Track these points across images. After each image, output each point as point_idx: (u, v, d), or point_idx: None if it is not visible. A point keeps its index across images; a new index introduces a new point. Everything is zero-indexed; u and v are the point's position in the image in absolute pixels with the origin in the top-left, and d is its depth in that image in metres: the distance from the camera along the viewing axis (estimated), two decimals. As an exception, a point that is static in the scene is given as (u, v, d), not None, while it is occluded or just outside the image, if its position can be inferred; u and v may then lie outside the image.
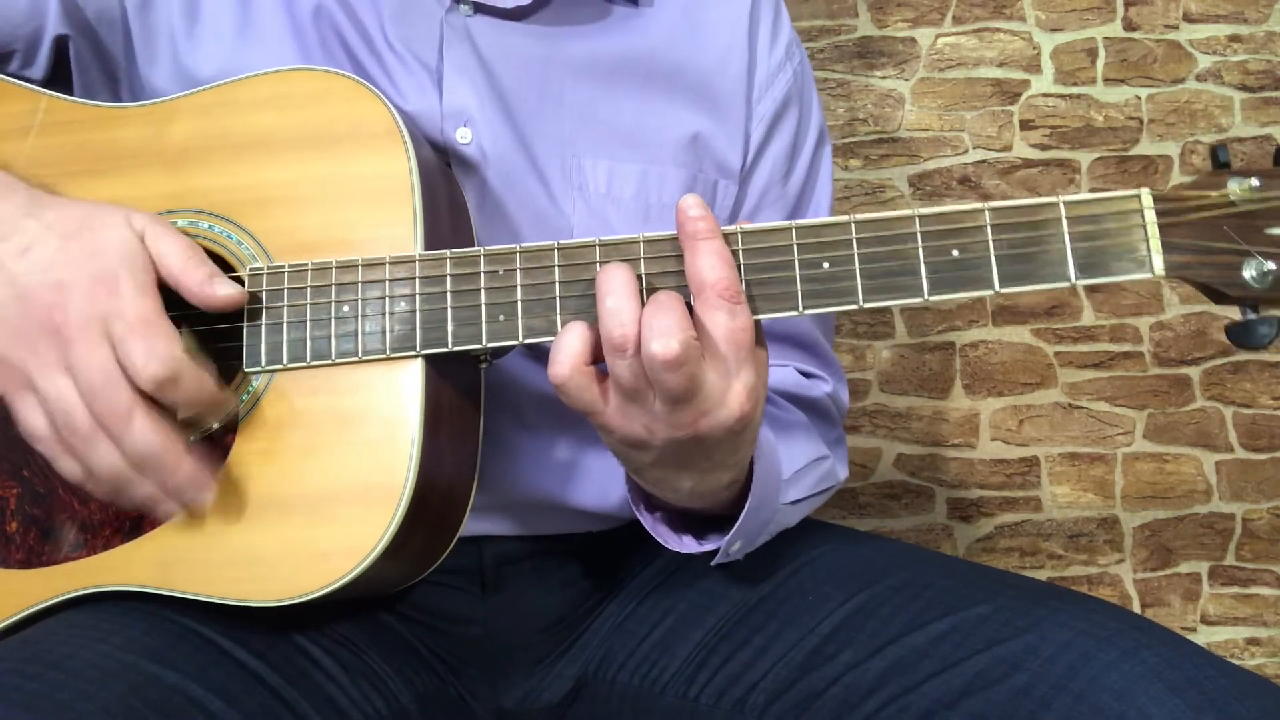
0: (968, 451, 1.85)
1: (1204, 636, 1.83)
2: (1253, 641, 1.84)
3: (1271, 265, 0.67)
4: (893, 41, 1.85)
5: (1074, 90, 1.85)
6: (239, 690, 0.72)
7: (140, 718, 0.64)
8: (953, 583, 0.80)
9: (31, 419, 0.71)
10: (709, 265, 0.68)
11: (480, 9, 0.87)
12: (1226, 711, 0.64)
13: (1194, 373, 1.84)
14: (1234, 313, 0.70)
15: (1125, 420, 1.84)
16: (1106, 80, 1.85)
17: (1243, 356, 1.84)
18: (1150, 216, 0.69)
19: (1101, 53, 1.85)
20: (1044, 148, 1.85)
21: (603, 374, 0.69)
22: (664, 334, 0.65)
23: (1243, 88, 1.85)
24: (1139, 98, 1.85)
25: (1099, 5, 1.85)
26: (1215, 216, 0.68)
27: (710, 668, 0.85)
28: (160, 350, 0.69)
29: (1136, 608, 1.82)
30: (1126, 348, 1.84)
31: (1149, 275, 0.68)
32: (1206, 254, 0.68)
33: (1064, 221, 0.69)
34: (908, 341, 1.85)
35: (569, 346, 0.68)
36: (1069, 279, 0.69)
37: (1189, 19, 1.85)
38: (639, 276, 0.70)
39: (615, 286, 0.68)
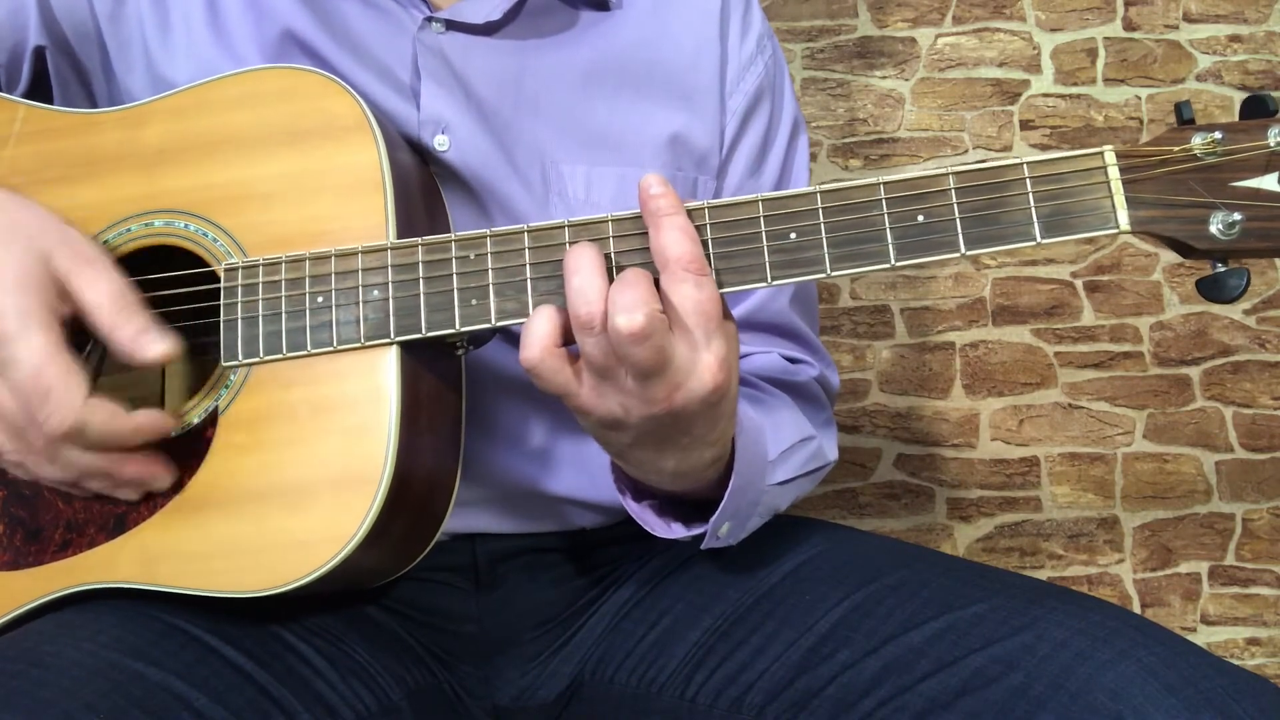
0: (968, 451, 1.84)
1: (1204, 636, 1.82)
2: (1253, 641, 1.84)
3: (1238, 216, 0.67)
4: (893, 41, 1.85)
5: (1074, 90, 1.85)
6: (225, 687, 0.72)
7: (124, 713, 0.65)
8: (949, 581, 0.80)
9: None
10: (672, 240, 0.68)
11: (452, 26, 0.88)
12: (1224, 711, 0.64)
13: (1194, 373, 1.84)
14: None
15: (1125, 420, 1.84)
16: (1106, 80, 1.85)
17: (1243, 356, 1.83)
18: (1114, 173, 0.69)
19: (1101, 53, 1.85)
20: (1044, 148, 1.85)
21: (575, 356, 0.70)
22: (628, 308, 0.65)
23: (1243, 88, 1.85)
24: (1139, 98, 1.85)
25: (1099, 5, 1.85)
26: (1180, 171, 0.69)
27: (707, 667, 0.85)
28: (61, 405, 0.69)
29: (1136, 608, 1.82)
30: (1126, 348, 1.84)
31: (1114, 231, 0.69)
32: (1172, 208, 0.69)
33: (1027, 181, 0.69)
34: (908, 341, 1.85)
35: (538, 329, 0.68)
36: (1034, 238, 0.69)
37: (1189, 19, 1.85)
38: (608, 256, 0.71)
39: (581, 265, 0.68)
